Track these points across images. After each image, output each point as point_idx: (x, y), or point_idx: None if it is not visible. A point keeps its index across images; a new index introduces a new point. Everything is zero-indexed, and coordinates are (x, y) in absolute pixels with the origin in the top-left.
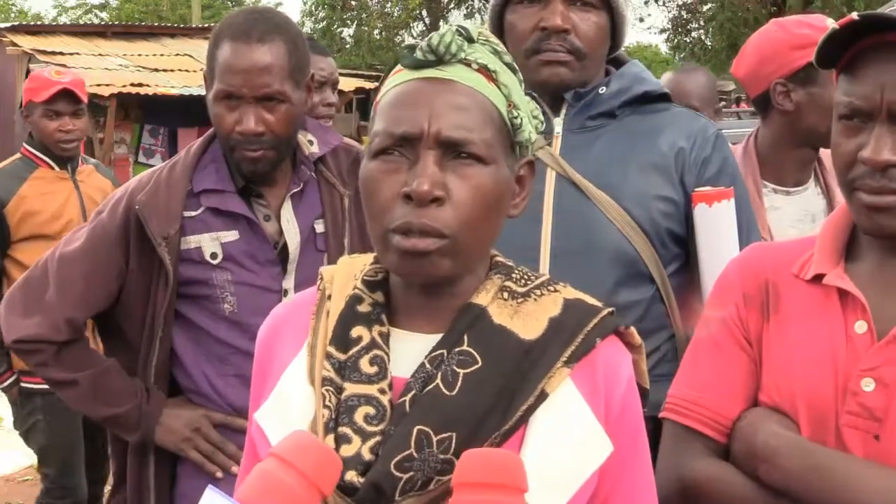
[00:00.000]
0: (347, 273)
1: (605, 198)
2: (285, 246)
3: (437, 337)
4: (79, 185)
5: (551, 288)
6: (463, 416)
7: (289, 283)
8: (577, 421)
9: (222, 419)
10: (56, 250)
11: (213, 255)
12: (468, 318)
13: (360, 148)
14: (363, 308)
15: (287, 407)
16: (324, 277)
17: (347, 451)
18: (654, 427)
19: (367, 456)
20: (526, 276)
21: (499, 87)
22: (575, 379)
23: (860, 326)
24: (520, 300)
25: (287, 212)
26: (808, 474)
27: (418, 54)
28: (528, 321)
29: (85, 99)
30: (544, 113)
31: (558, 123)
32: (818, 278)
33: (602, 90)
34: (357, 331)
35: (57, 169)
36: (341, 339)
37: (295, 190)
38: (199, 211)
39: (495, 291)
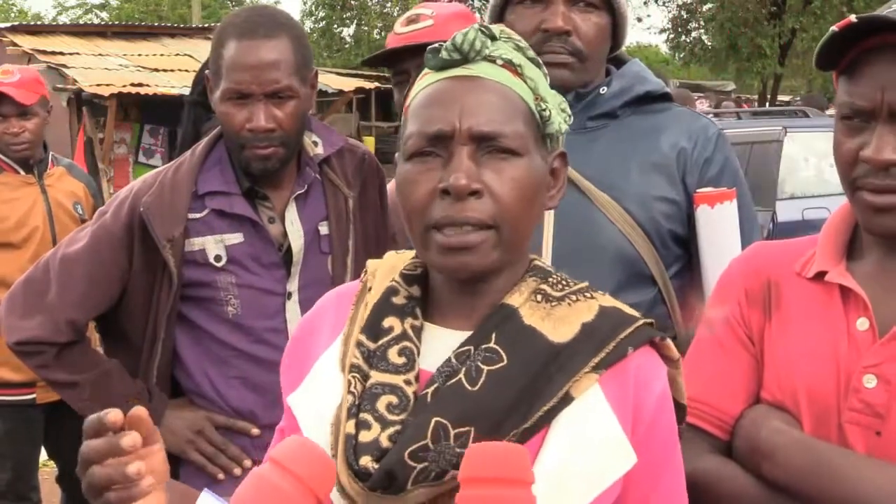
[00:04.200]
0: (390, 267)
1: (606, 199)
2: (289, 248)
3: (468, 334)
4: (46, 189)
5: (588, 295)
6: (483, 411)
7: (293, 285)
8: (600, 428)
9: (225, 421)
10: (58, 250)
11: (218, 258)
12: (498, 317)
13: (365, 149)
14: (398, 300)
15: (317, 393)
16: (368, 270)
17: (366, 436)
18: None
19: (384, 443)
20: (563, 282)
21: (524, 81)
22: (604, 386)
23: (862, 324)
24: (553, 304)
25: (291, 214)
26: (810, 470)
27: (444, 54)
28: (559, 325)
29: (31, 100)
30: None
31: None
32: (820, 276)
33: (603, 90)
34: (389, 321)
35: (22, 173)
36: (373, 328)
37: (299, 192)
38: (204, 213)
39: (529, 293)
